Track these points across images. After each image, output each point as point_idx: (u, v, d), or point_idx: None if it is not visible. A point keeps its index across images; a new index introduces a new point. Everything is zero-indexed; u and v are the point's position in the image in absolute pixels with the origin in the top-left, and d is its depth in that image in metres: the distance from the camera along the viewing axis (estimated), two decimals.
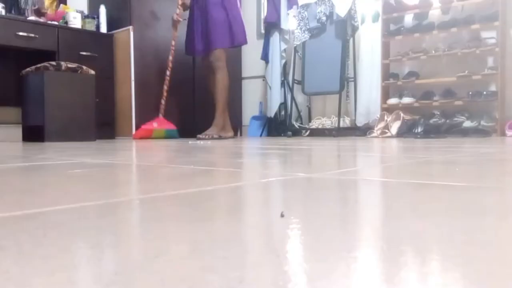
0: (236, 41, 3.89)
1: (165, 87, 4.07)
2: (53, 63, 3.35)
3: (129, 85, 4.15)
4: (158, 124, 4.02)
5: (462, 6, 3.89)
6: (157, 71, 4.34)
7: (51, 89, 3.29)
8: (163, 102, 4.08)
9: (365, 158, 1.45)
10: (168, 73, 4.05)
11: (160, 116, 4.09)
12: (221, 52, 3.84)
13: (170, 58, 4.02)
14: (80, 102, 3.43)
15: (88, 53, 3.92)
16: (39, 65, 3.35)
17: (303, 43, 4.50)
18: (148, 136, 3.91)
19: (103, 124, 4.04)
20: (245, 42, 4.01)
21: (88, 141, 3.37)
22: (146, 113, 4.23)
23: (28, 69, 3.44)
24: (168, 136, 4.10)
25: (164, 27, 4.40)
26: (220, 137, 3.84)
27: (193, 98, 4.70)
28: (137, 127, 4.18)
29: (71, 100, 3.38)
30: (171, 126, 4.12)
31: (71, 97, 3.38)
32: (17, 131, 3.86)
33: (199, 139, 3.68)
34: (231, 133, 4.05)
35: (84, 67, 3.50)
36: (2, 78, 3.86)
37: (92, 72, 3.54)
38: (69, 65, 3.40)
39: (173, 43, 4.02)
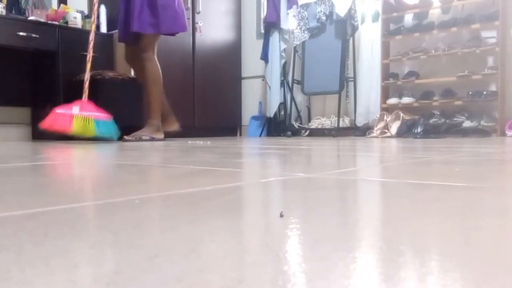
0: (178, 28, 3.42)
1: (89, 56, 3.18)
2: (111, 73, 3.69)
3: None
4: (81, 108, 2.92)
5: (462, 6, 3.89)
6: None
7: (114, 95, 3.65)
8: (86, 77, 3.11)
9: (364, 158, 1.46)
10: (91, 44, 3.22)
11: (84, 99, 3.03)
12: (150, 39, 3.34)
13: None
14: (133, 107, 3.74)
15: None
16: (98, 72, 3.65)
17: (303, 43, 4.50)
18: (65, 127, 2.85)
19: None
20: (185, 29, 3.50)
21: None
22: (146, 113, 4.22)
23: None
24: (101, 131, 2.96)
25: None
26: (152, 139, 3.28)
27: (193, 98, 4.70)
28: (137, 127, 4.16)
29: (128, 105, 3.74)
30: (103, 115, 3.02)
31: (128, 102, 3.75)
32: (17, 131, 3.86)
33: (126, 140, 3.13)
34: (162, 134, 3.44)
35: (134, 77, 3.81)
36: (2, 78, 3.86)
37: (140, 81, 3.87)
38: (129, 76, 3.81)
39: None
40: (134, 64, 3.52)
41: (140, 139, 3.20)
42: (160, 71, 3.43)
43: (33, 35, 3.65)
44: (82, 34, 3.97)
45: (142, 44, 3.33)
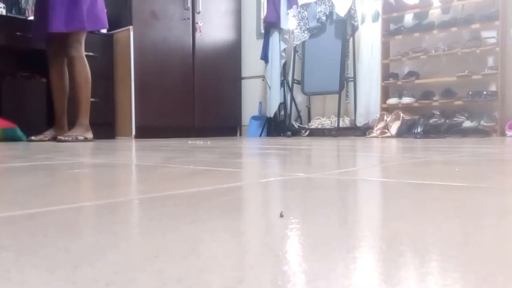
0: (100, 25, 3.41)
1: None
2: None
3: (129, 85, 4.15)
4: None
5: (463, 6, 3.89)
6: (157, 71, 4.34)
7: (8, 94, 3.67)
8: None
9: (364, 158, 1.46)
10: None
11: None
12: (77, 37, 3.30)
13: None
14: (34, 105, 3.74)
15: (88, 53, 3.92)
16: None
17: (303, 43, 4.50)
18: None
19: (103, 124, 4.04)
20: (106, 26, 3.52)
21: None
22: (146, 113, 4.23)
23: None
24: (7, 137, 3.23)
25: (164, 27, 4.40)
26: (86, 139, 3.33)
27: (193, 98, 4.70)
28: (138, 127, 4.18)
29: (26, 103, 3.74)
30: (8, 124, 3.25)
31: (26, 100, 3.74)
32: None
33: (60, 141, 3.16)
34: (91, 134, 3.47)
35: (37, 76, 3.79)
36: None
37: (44, 79, 3.79)
38: (23, 74, 3.79)
39: None
40: (56, 61, 3.43)
41: (76, 139, 3.25)
42: (89, 70, 3.41)
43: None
44: None
45: (69, 42, 3.29)
